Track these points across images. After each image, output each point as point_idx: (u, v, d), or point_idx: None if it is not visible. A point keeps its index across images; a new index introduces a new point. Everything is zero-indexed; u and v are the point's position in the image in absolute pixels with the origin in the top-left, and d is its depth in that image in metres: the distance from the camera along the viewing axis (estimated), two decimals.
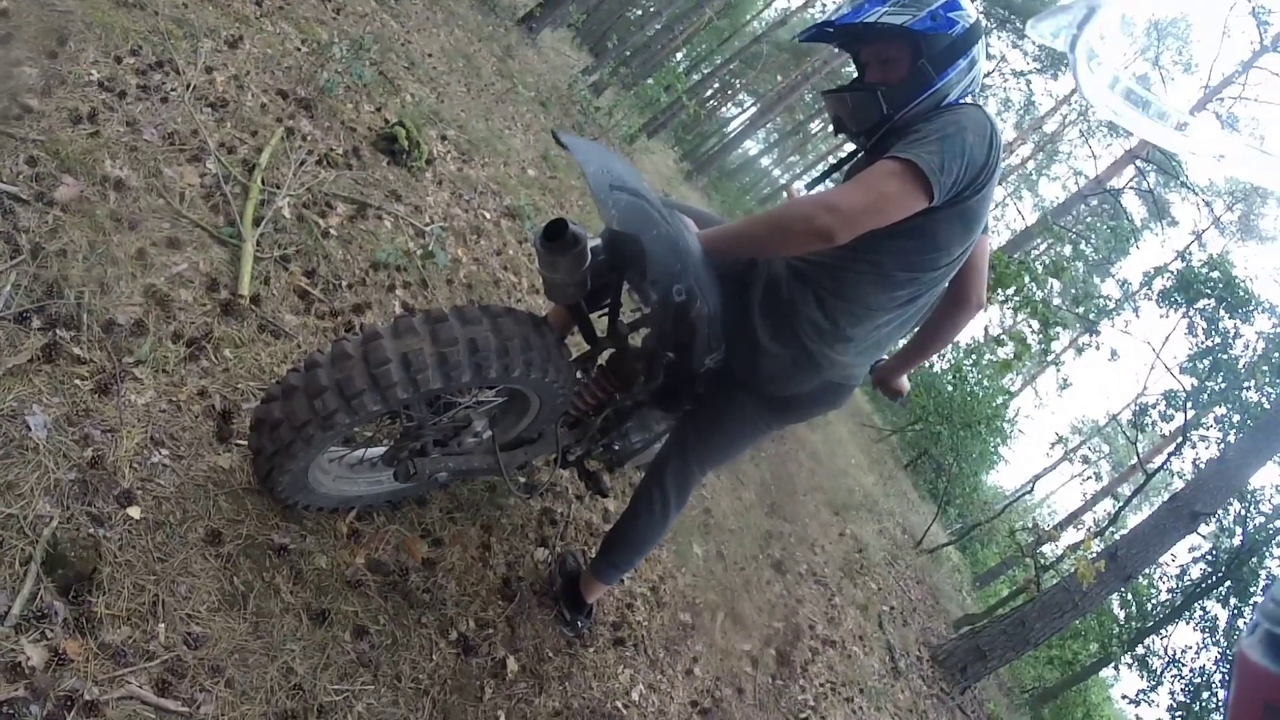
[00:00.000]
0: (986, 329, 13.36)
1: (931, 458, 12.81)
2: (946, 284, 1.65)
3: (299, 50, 3.79)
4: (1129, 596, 8.68)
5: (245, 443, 1.64)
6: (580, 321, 1.73)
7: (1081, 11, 0.75)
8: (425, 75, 5.08)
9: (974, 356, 13.45)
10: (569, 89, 9.76)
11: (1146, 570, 7.30)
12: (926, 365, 15.11)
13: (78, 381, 1.54)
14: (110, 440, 1.50)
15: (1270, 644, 0.66)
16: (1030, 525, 9.25)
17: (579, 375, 1.77)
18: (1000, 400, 13.51)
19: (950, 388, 12.07)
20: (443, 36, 6.62)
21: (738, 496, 4.12)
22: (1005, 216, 25.09)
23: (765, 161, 34.56)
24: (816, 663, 3.54)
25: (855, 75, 1.62)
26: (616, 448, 2.04)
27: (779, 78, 24.72)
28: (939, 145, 1.36)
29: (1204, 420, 8.02)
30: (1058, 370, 16.55)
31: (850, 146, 1.68)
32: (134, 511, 1.43)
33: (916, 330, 1.86)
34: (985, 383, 12.93)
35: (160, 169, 2.31)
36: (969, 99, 1.54)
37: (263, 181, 2.57)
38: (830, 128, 1.67)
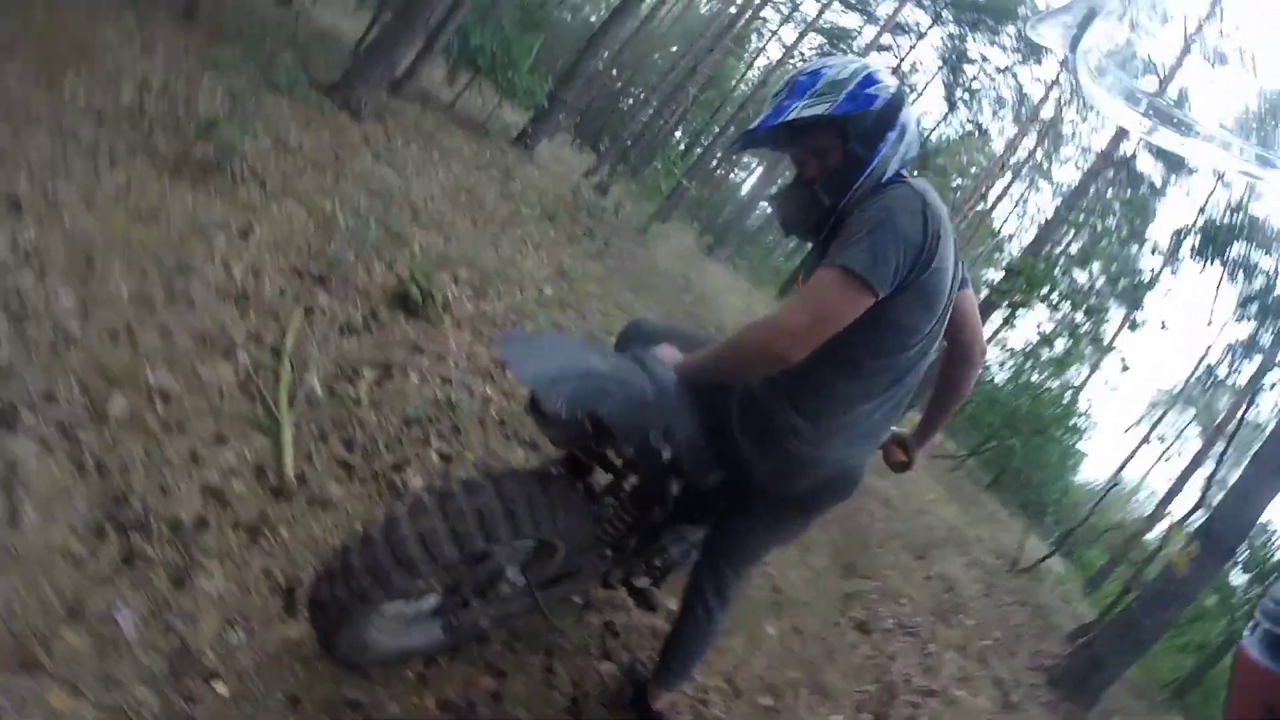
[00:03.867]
0: (1039, 328, 13.45)
1: (1012, 472, 12.69)
2: (932, 356, 1.74)
3: (307, 226, 4.36)
4: (1249, 560, 8.80)
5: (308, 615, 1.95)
6: (592, 458, 1.94)
7: (1081, 11, 0.81)
8: (430, 220, 5.65)
9: (1030, 359, 13.50)
10: (573, 196, 10.52)
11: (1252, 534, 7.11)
12: (987, 380, 15.12)
13: (155, 579, 1.81)
14: (191, 627, 1.74)
15: (1270, 644, 0.72)
16: (1117, 524, 9.18)
17: (610, 502, 1.98)
18: (1067, 397, 13.47)
19: (1013, 398, 12.08)
20: (441, 175, 7.32)
21: (807, 566, 4.18)
22: (1028, 211, 25.32)
23: None
24: (918, 718, 3.55)
25: (795, 174, 1.75)
26: (657, 564, 2.25)
27: None
28: (869, 240, 1.46)
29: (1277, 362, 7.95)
30: (1116, 353, 16.38)
31: None
32: (220, 688, 1.66)
33: (931, 397, 2.05)
34: (1048, 384, 12.91)
35: (197, 370, 2.71)
36: (908, 169, 1.66)
37: (291, 364, 2.99)
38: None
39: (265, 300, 3.36)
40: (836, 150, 1.62)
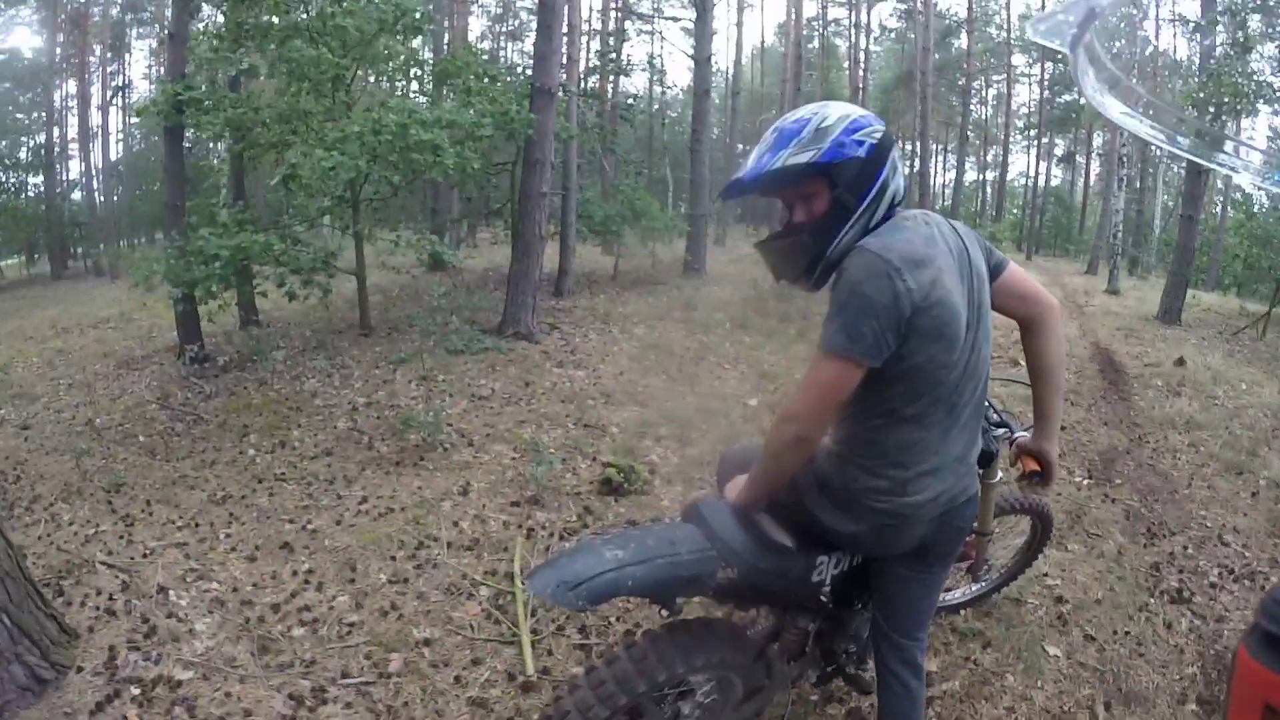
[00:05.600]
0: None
1: None
2: (985, 366, 1.85)
3: (514, 460, 5.26)
4: None
5: None
6: (754, 600, 2.28)
7: (1081, 11, 0.83)
8: (623, 395, 6.44)
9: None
10: (754, 288, 11.12)
11: None
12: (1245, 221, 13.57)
13: None
14: None
15: (1269, 644, 0.76)
16: None
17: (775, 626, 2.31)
18: None
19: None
20: (625, 345, 8.22)
21: (1097, 555, 3.91)
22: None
23: None
24: None
25: (782, 223, 1.91)
26: (850, 650, 2.44)
27: None
28: (840, 319, 1.62)
29: None
30: None
31: None
32: None
33: (1033, 386, 2.16)
34: None
35: (450, 615, 3.47)
36: (899, 207, 1.79)
37: (521, 582, 3.70)
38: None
39: (493, 538, 4.16)
40: (824, 196, 1.75)
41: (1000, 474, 2.64)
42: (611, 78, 18.15)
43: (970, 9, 29.04)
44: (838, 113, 1.74)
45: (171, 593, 3.71)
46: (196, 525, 4.54)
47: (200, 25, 9.36)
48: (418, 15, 8.06)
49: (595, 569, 1.84)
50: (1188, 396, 6.92)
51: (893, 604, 2.12)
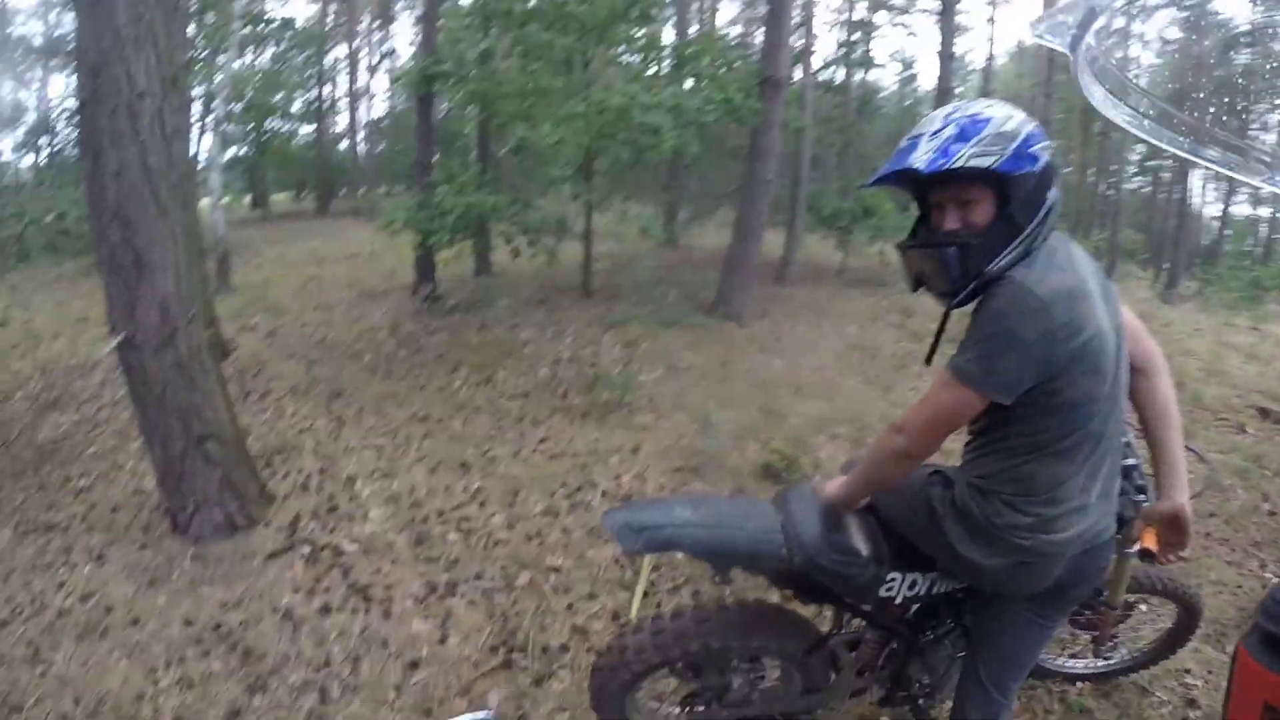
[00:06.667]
0: None
1: None
2: (1125, 394, 1.81)
3: (689, 431, 5.61)
4: None
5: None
6: (815, 596, 2.32)
7: (1081, 11, 0.85)
8: (813, 390, 6.59)
9: None
10: None
11: None
12: None
13: (520, 678, 2.91)
14: (535, 709, 2.79)
15: (1269, 644, 0.80)
16: None
17: (844, 629, 2.42)
18: None
19: None
20: (831, 343, 8.28)
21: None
22: None
23: None
24: None
25: (921, 220, 1.88)
26: (924, 681, 2.49)
27: None
28: (981, 349, 1.61)
29: None
30: None
31: None
32: None
33: (1148, 438, 2.04)
34: None
35: (585, 554, 3.90)
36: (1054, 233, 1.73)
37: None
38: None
39: (645, 495, 4.56)
40: (984, 205, 1.70)
41: (1137, 543, 2.36)
42: (855, 70, 17.86)
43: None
44: (1017, 118, 1.67)
45: (358, 483, 4.49)
46: (395, 435, 5.38)
47: (448, 5, 10.64)
48: (652, 5, 8.67)
49: (661, 520, 2.08)
50: None
51: (995, 647, 2.09)
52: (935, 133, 1.68)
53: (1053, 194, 1.68)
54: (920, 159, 1.66)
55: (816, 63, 13.97)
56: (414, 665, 3.05)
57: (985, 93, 27.21)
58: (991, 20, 31.28)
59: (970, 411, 1.69)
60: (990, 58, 30.46)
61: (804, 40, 12.26)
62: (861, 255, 12.51)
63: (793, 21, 10.06)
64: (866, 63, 17.25)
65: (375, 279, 11.58)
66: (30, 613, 3.47)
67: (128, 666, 3.11)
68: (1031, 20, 1.01)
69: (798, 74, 11.88)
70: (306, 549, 3.75)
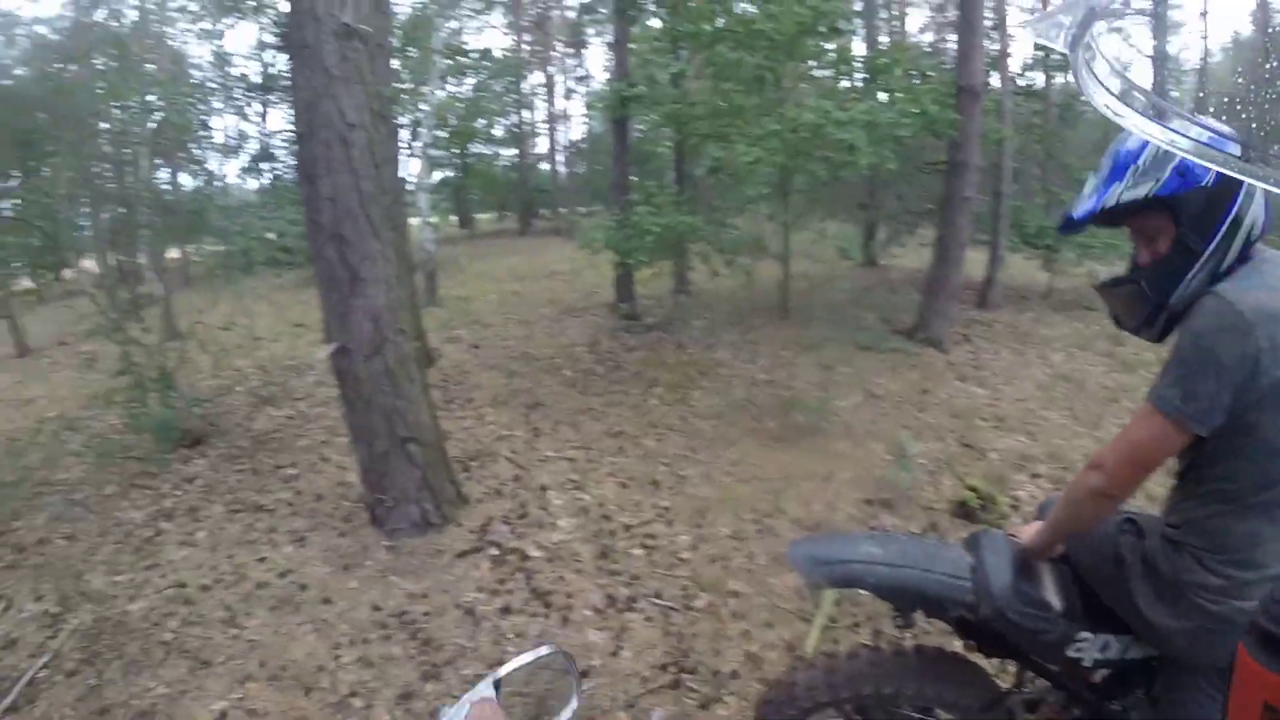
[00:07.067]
0: None
1: None
2: None
3: (883, 461, 5.43)
4: None
5: None
6: (999, 649, 2.19)
7: (1081, 11, 0.82)
8: (1015, 423, 6.17)
9: None
10: None
11: None
12: None
13: (687, 700, 2.90)
14: None
15: (1269, 644, 0.78)
16: None
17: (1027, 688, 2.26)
18: None
19: None
20: (1036, 372, 7.71)
21: None
22: None
23: None
24: None
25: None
26: None
27: None
28: (1177, 373, 1.50)
29: None
30: None
31: None
32: None
33: None
34: None
35: (767, 581, 3.83)
36: (1255, 246, 1.57)
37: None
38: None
39: (834, 525, 4.46)
40: (1168, 234, 1.59)
41: None
42: (1055, 73, 16.57)
43: None
44: None
45: (550, 492, 4.65)
46: (589, 449, 5.54)
47: (637, 29, 10.83)
48: (839, 19, 8.43)
49: (846, 556, 2.02)
50: None
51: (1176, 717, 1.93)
52: (1099, 169, 1.63)
53: (1238, 203, 1.52)
54: (1080, 205, 1.63)
55: (1014, 67, 13.12)
56: (584, 674, 3.10)
57: (1199, 95, 24.77)
58: (1204, 14, 27.99)
59: (1171, 446, 1.56)
60: (1205, 55, 27.69)
61: (999, 44, 11.59)
62: (1068, 275, 11.66)
63: (986, 24, 9.59)
64: (1067, 64, 16.03)
65: (575, 296, 12.00)
66: (231, 581, 3.87)
67: (314, 640, 3.40)
68: (1029, 19, 0.94)
69: (995, 81, 11.24)
70: (494, 551, 3.93)
